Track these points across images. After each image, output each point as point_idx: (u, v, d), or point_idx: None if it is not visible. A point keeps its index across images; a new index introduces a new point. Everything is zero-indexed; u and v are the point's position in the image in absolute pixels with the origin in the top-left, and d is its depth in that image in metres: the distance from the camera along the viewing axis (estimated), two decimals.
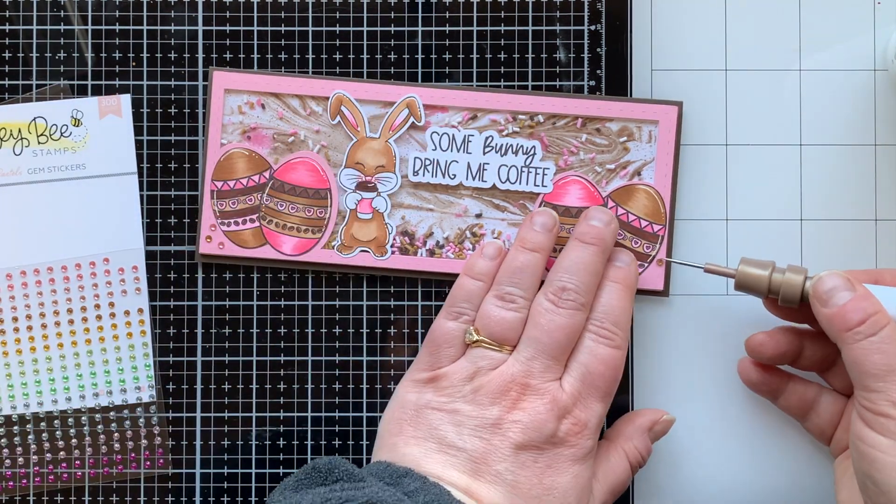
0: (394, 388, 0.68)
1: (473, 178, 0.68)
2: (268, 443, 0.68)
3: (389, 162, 0.68)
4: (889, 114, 0.69)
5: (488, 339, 0.62)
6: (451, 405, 0.61)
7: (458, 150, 0.68)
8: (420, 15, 0.69)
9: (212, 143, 0.68)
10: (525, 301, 0.63)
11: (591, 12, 0.68)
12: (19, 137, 0.68)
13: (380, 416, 0.67)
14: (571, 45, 0.68)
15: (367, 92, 0.68)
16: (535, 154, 0.68)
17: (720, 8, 0.69)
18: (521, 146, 0.68)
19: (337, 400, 0.68)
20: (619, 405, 0.68)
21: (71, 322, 0.68)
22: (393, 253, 0.68)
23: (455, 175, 0.68)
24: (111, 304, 0.68)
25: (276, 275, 0.68)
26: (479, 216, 0.68)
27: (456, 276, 0.66)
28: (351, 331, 0.68)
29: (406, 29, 0.69)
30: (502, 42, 0.68)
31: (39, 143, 0.68)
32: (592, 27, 0.68)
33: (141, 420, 0.68)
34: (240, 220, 0.68)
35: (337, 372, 0.68)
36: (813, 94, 0.69)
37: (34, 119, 0.68)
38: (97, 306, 0.68)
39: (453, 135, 0.68)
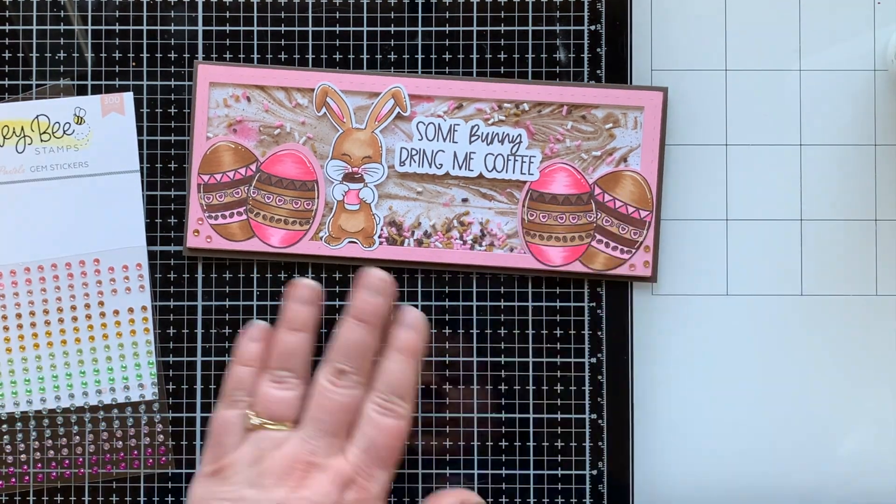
0: None
1: (460, 168, 0.68)
2: None
3: (376, 153, 0.68)
4: (889, 114, 0.69)
5: (269, 421, 0.63)
6: (236, 493, 0.61)
7: (445, 140, 0.68)
8: (420, 15, 0.69)
9: (197, 137, 0.68)
10: (299, 381, 0.64)
11: (591, 12, 0.68)
12: (22, 135, 0.68)
13: None
14: (571, 45, 0.68)
15: (352, 83, 0.68)
16: (521, 142, 0.68)
17: (720, 8, 0.69)
18: (507, 134, 0.68)
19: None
20: (619, 405, 0.68)
21: (74, 319, 0.68)
22: (381, 243, 0.68)
23: (441, 164, 0.68)
24: (114, 302, 0.68)
25: (276, 275, 0.68)
26: (465, 201, 0.68)
27: (444, 266, 0.67)
28: None
29: (406, 29, 0.68)
30: (502, 42, 0.68)
31: (42, 140, 0.68)
32: (592, 27, 0.68)
33: (143, 418, 0.68)
34: (227, 213, 0.68)
35: None
36: (813, 94, 0.69)
37: (37, 117, 0.68)
38: (101, 304, 0.68)
39: (439, 124, 0.68)
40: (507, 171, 0.68)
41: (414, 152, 0.68)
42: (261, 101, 0.68)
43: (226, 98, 0.68)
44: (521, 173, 0.68)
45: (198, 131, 0.68)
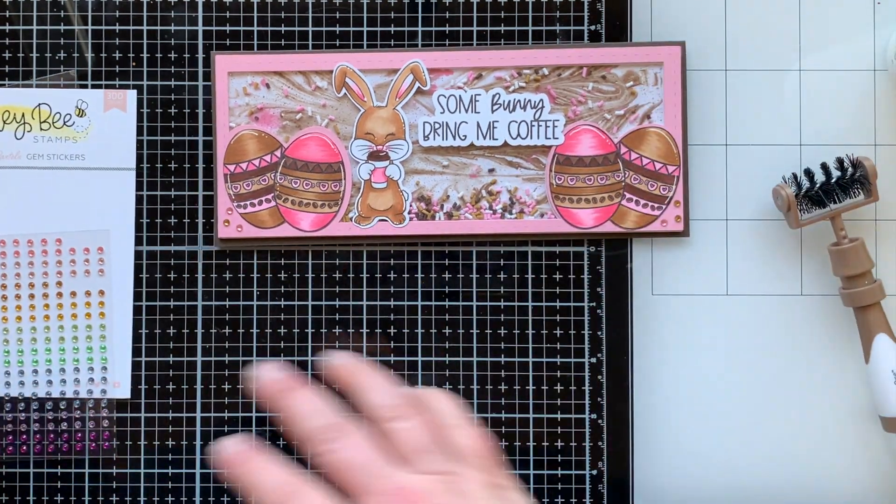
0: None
1: (484, 138, 0.68)
2: (268, 443, 0.68)
3: (399, 129, 0.68)
4: (889, 114, 0.69)
5: None
6: None
7: (466, 111, 0.68)
8: (420, 15, 0.69)
9: (220, 127, 0.68)
10: None
11: (591, 12, 0.68)
12: (22, 122, 0.68)
13: None
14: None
15: (370, 61, 0.68)
16: (543, 107, 0.68)
17: (720, 8, 0.69)
18: (529, 100, 0.68)
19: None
20: (619, 405, 0.68)
21: (31, 297, 0.68)
22: (411, 219, 0.68)
23: (465, 136, 0.68)
24: (72, 284, 0.68)
25: (276, 275, 0.68)
26: (491, 171, 0.68)
27: (474, 237, 0.68)
28: (351, 331, 0.68)
29: (406, 29, 0.68)
30: (502, 42, 0.68)
31: (42, 129, 0.68)
32: (592, 27, 0.68)
33: (90, 403, 0.68)
34: (255, 200, 0.68)
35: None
36: (813, 94, 0.69)
37: (38, 105, 0.68)
38: (59, 284, 0.68)
39: (460, 96, 0.68)
40: (531, 138, 0.68)
41: (437, 126, 0.68)
42: (280, 86, 0.68)
43: (245, 87, 0.68)
44: (546, 138, 0.68)
45: (220, 122, 0.68)
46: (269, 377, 0.62)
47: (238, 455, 0.63)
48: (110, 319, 0.68)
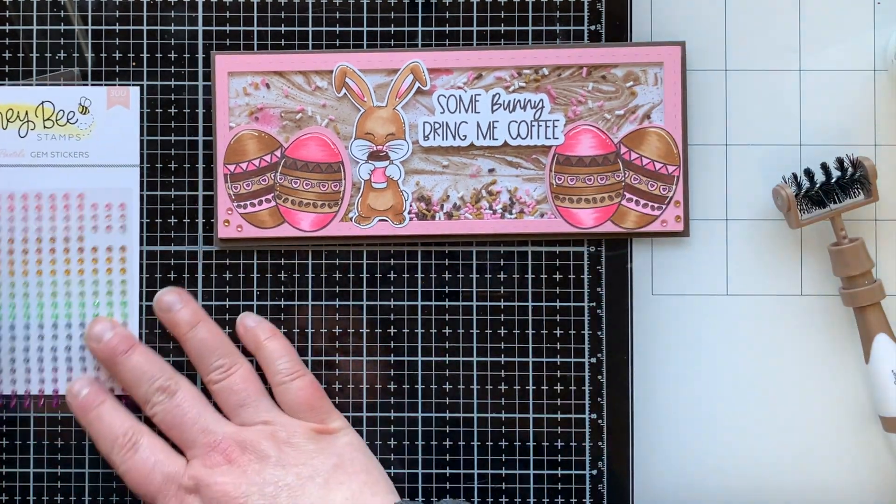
0: (392, 388, 0.68)
1: (484, 138, 0.68)
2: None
3: (399, 129, 0.68)
4: (889, 114, 0.69)
5: None
6: None
7: (466, 111, 0.68)
8: (420, 15, 0.69)
9: (220, 127, 0.68)
10: None
11: (591, 12, 0.68)
12: (26, 120, 0.68)
13: (380, 417, 0.67)
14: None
15: (370, 61, 0.68)
16: (543, 107, 0.68)
17: (720, 8, 0.69)
18: (529, 100, 0.68)
19: (337, 400, 0.68)
20: (619, 405, 0.68)
21: (52, 252, 0.68)
22: (411, 219, 0.68)
23: (465, 136, 0.68)
24: (94, 239, 0.68)
25: (276, 275, 0.68)
26: (491, 171, 0.68)
27: (474, 237, 0.68)
28: (351, 331, 0.68)
29: (406, 29, 0.69)
30: (502, 42, 0.68)
31: (45, 127, 0.68)
32: (592, 27, 0.68)
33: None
34: (255, 200, 0.68)
35: (337, 372, 0.68)
36: (813, 94, 0.69)
37: (42, 103, 0.68)
38: (80, 239, 0.68)
39: (460, 96, 0.68)
40: (531, 138, 0.68)
41: (437, 126, 0.68)
42: (280, 86, 0.68)
43: (245, 87, 0.68)
44: (546, 138, 0.68)
45: (220, 122, 0.68)
46: (101, 340, 0.65)
47: (85, 400, 0.65)
48: (129, 274, 0.68)
